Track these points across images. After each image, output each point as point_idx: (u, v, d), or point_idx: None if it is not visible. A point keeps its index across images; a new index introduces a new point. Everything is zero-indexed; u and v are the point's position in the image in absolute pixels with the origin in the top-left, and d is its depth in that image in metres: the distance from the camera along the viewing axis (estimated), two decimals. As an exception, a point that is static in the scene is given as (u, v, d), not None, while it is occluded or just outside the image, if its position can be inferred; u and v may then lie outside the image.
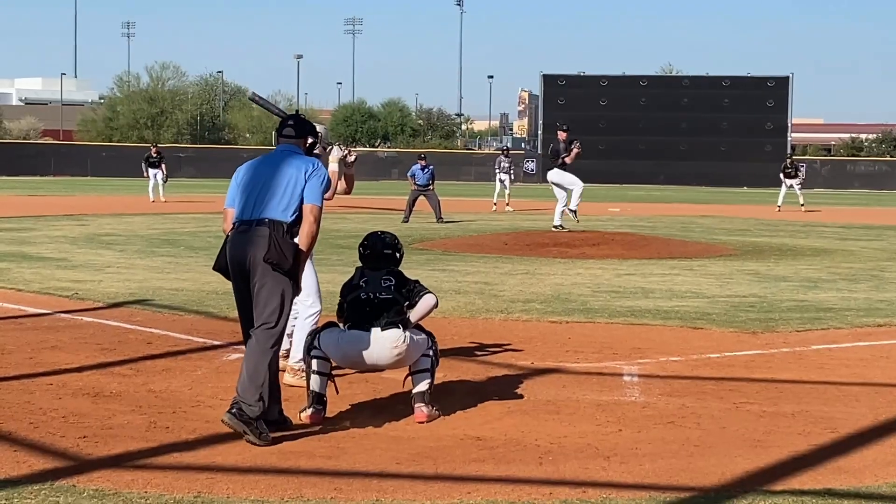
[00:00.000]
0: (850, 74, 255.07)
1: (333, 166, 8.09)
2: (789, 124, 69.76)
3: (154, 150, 38.29)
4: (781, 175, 37.88)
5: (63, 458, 6.14)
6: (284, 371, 7.88)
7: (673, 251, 19.86)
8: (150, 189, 36.76)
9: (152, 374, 8.47)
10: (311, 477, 5.90)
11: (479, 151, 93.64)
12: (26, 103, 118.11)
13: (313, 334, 7.24)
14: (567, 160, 22.44)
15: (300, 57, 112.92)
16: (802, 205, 36.21)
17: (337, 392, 7.28)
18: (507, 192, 35.94)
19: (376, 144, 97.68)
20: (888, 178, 68.48)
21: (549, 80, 71.81)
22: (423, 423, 7.06)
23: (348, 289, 7.29)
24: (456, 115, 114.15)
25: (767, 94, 69.34)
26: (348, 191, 8.37)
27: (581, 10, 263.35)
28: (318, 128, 8.39)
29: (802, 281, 15.32)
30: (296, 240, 6.69)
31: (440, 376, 7.64)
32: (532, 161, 70.85)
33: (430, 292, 7.28)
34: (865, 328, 11.19)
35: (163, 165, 37.11)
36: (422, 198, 28.47)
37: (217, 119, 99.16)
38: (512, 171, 36.97)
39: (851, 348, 10.11)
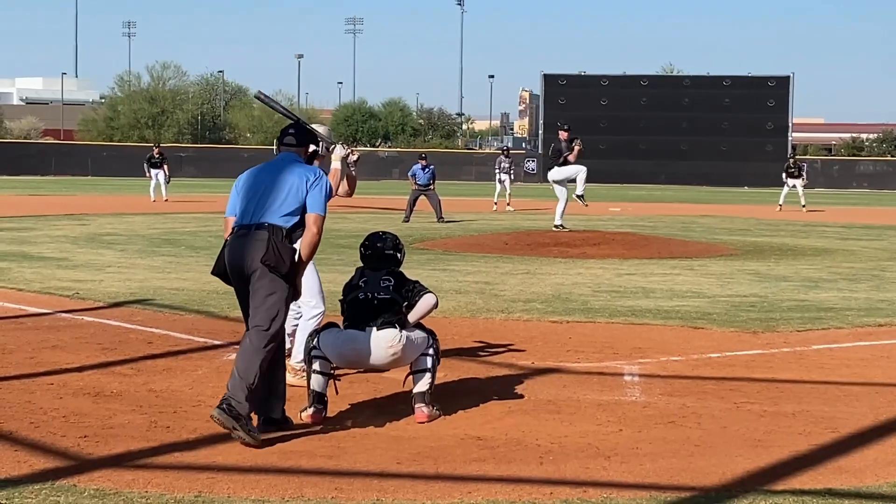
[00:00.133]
0: (850, 74, 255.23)
1: (336, 164, 8.08)
2: (790, 124, 69.76)
3: (156, 150, 38.29)
4: (784, 175, 37.81)
5: (64, 458, 6.14)
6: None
7: (674, 251, 19.86)
8: (152, 189, 36.76)
9: (153, 374, 8.48)
10: (312, 476, 5.90)
11: (480, 151, 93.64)
12: (27, 103, 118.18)
13: (313, 335, 7.25)
14: (570, 158, 22.44)
15: (301, 56, 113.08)
16: (804, 205, 36.17)
17: (337, 392, 7.28)
18: (507, 191, 35.95)
19: (377, 144, 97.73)
20: (889, 178, 68.43)
21: (549, 79, 71.83)
22: (423, 422, 7.06)
23: (348, 289, 7.30)
24: (457, 114, 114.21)
25: (768, 93, 69.36)
26: (350, 193, 8.38)
27: (582, 9, 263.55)
28: (321, 128, 8.40)
29: (803, 281, 15.32)
30: (295, 245, 6.69)
31: (441, 376, 7.64)
32: (533, 161, 70.87)
33: (429, 292, 7.28)
34: (866, 328, 11.19)
35: (165, 166, 37.10)
36: (422, 197, 28.47)
37: (218, 119, 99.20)
38: (512, 171, 36.98)
39: (852, 348, 10.11)
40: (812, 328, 11.08)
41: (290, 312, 8.05)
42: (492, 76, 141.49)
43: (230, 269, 6.70)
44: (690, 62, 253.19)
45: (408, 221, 27.05)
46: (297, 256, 6.68)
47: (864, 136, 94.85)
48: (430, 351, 7.22)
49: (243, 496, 5.53)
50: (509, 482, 5.81)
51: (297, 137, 7.08)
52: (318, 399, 7.05)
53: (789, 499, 5.57)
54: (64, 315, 11.33)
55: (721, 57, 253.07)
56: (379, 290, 7.18)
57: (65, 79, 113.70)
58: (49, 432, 6.65)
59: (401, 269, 7.44)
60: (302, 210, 6.71)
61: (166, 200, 35.32)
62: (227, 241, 6.78)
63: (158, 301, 12.41)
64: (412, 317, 7.19)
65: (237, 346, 8.68)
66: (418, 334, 7.20)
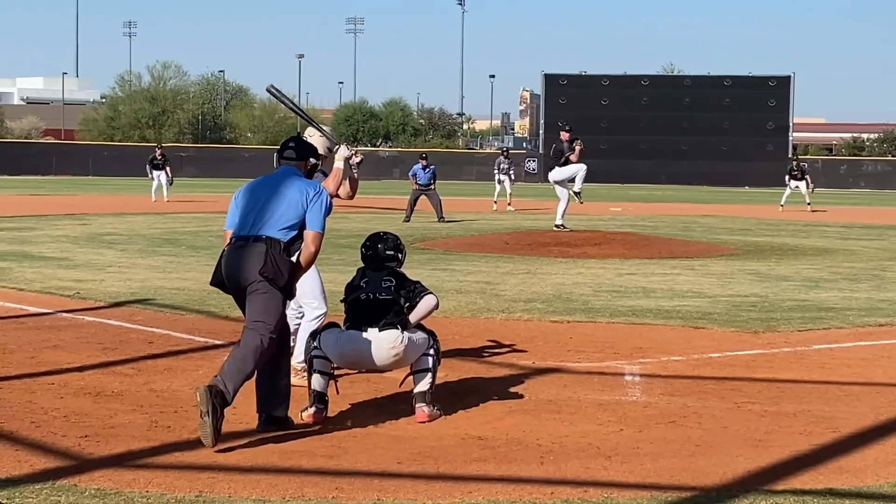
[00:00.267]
0: (851, 74, 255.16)
1: (339, 164, 8.11)
2: (791, 124, 69.78)
3: (158, 152, 38.27)
4: (787, 177, 37.73)
5: (64, 458, 6.15)
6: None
7: (674, 251, 19.86)
8: (153, 190, 36.74)
9: (154, 374, 8.48)
10: (313, 476, 5.90)
11: (481, 151, 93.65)
12: (28, 103, 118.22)
13: (314, 335, 7.26)
14: (572, 158, 22.43)
15: (302, 56, 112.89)
16: (809, 203, 36.12)
17: (338, 392, 7.28)
18: (508, 192, 35.92)
19: (378, 144, 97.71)
20: (890, 178, 68.39)
21: (550, 79, 71.88)
22: (424, 422, 7.06)
23: (350, 289, 7.31)
24: (457, 114, 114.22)
25: (769, 93, 69.38)
26: (351, 195, 8.40)
27: (582, 9, 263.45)
28: (325, 129, 8.42)
29: (804, 280, 15.32)
30: (293, 259, 6.67)
31: (441, 376, 7.64)
32: (533, 161, 70.87)
33: (430, 293, 7.29)
34: (867, 328, 11.20)
35: (167, 168, 37.07)
36: (423, 197, 28.48)
37: (219, 118, 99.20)
38: (512, 172, 36.96)
39: (853, 348, 10.11)
40: (813, 328, 11.08)
41: (291, 313, 8.08)
42: (492, 76, 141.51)
43: (227, 280, 6.68)
44: (691, 62, 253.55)
45: (408, 221, 27.06)
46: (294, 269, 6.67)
47: (864, 135, 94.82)
48: (431, 351, 7.23)
49: (244, 496, 5.53)
50: (510, 482, 5.81)
51: (298, 151, 7.03)
52: (319, 399, 7.05)
53: (790, 498, 5.57)
54: (65, 315, 11.33)
55: (722, 57, 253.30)
56: (380, 291, 7.18)
57: (66, 78, 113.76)
58: (50, 432, 6.66)
59: (402, 270, 7.44)
60: (301, 225, 6.67)
61: (167, 201, 35.31)
62: (224, 251, 6.75)
63: (159, 301, 12.42)
64: (413, 317, 7.20)
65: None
66: (419, 335, 7.21)
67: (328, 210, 6.81)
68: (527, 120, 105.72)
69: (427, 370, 7.20)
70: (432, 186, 28.92)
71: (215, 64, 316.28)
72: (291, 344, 7.90)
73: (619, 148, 66.79)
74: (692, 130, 68.59)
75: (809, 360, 9.49)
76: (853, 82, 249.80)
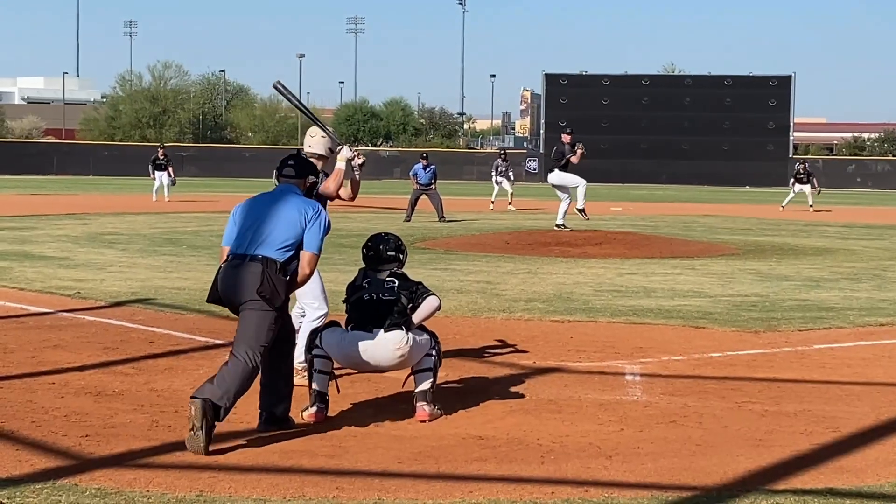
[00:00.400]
0: (852, 74, 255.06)
1: (341, 164, 8.13)
2: (791, 123, 69.75)
3: (161, 152, 38.22)
4: (792, 180, 37.62)
5: (65, 457, 6.15)
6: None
7: (675, 250, 19.86)
8: (155, 189, 36.72)
9: (154, 373, 8.48)
10: (313, 476, 5.90)
11: (481, 151, 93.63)
12: (29, 102, 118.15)
13: (315, 333, 7.26)
14: (573, 160, 22.43)
15: (302, 56, 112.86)
16: (811, 205, 36.09)
17: (338, 391, 7.29)
18: (509, 192, 35.88)
19: (378, 144, 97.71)
20: (890, 178, 68.35)
21: (551, 79, 71.85)
22: (424, 422, 7.07)
23: (351, 290, 7.31)
24: (458, 114, 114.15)
25: (770, 93, 69.37)
26: (353, 196, 8.41)
27: (583, 9, 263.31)
28: (328, 129, 8.43)
29: (804, 280, 15.32)
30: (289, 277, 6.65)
31: (442, 375, 7.64)
32: (534, 160, 70.86)
33: (433, 294, 7.29)
34: (867, 327, 11.20)
35: (170, 168, 37.03)
36: (424, 197, 28.48)
37: (219, 118, 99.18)
38: (511, 173, 36.91)
39: (853, 348, 10.11)
40: (813, 328, 11.09)
41: (294, 312, 8.08)
42: (493, 76, 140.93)
43: (223, 297, 6.67)
44: (692, 62, 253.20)
45: (409, 221, 27.06)
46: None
47: (865, 135, 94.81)
48: (433, 352, 7.24)
49: (245, 495, 5.53)
50: (511, 481, 5.81)
51: (297, 169, 6.98)
52: (320, 398, 7.06)
53: (791, 498, 5.57)
54: (65, 314, 11.34)
55: (722, 56, 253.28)
56: (383, 292, 7.19)
57: (66, 78, 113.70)
58: (50, 431, 6.66)
59: (403, 270, 7.44)
60: (298, 245, 6.63)
61: (168, 201, 35.30)
62: (220, 268, 6.72)
63: (160, 300, 12.42)
64: (416, 318, 7.20)
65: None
66: (423, 336, 7.22)
67: (327, 230, 6.77)
68: (527, 120, 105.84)
69: (428, 370, 7.20)
70: (433, 186, 28.91)
71: (216, 63, 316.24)
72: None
73: (620, 148, 66.77)
74: (693, 130, 68.57)
75: (810, 359, 9.49)
76: (854, 82, 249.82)
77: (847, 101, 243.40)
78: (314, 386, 7.07)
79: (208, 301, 6.86)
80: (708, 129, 68.22)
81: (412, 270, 7.99)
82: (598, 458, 6.29)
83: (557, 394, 7.98)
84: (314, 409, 7.03)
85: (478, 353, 9.52)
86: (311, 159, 8.34)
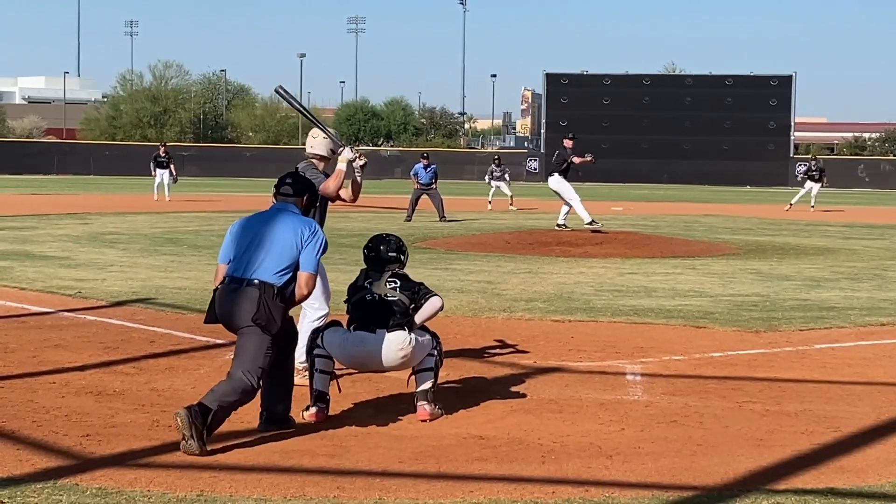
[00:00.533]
0: (853, 73, 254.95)
1: (342, 166, 8.13)
2: (792, 123, 69.77)
3: (162, 150, 38.23)
4: (805, 176, 37.60)
5: (66, 457, 6.15)
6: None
7: (676, 250, 19.86)
8: (156, 187, 36.72)
9: (155, 373, 8.48)
10: (314, 475, 5.90)
11: (482, 150, 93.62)
12: (30, 102, 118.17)
13: (316, 333, 7.26)
14: (576, 160, 22.40)
15: (303, 56, 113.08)
16: (813, 206, 36.07)
17: (339, 391, 7.29)
18: (509, 193, 35.80)
19: (379, 143, 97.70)
20: (891, 178, 68.30)
21: (552, 78, 71.85)
22: (425, 421, 7.07)
23: (353, 290, 7.31)
24: (459, 113, 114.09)
25: (770, 92, 69.39)
26: (354, 199, 8.41)
27: (584, 9, 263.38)
28: (330, 130, 8.44)
29: (805, 280, 15.32)
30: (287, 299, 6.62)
31: (443, 375, 7.64)
32: (535, 160, 70.86)
33: (435, 294, 7.30)
34: (868, 327, 11.20)
35: (172, 166, 37.04)
36: (425, 196, 28.48)
37: (220, 118, 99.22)
38: (507, 176, 36.84)
39: (854, 347, 10.11)
40: (814, 327, 11.09)
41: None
42: (494, 75, 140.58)
43: (221, 320, 6.69)
44: (692, 61, 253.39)
45: (410, 220, 27.07)
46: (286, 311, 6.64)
47: (866, 135, 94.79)
48: (434, 351, 7.24)
49: (245, 495, 5.54)
50: (511, 481, 5.81)
51: (294, 187, 6.94)
52: (321, 398, 7.06)
53: (791, 498, 5.57)
54: (66, 314, 11.34)
55: (723, 56, 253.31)
56: (385, 292, 7.19)
57: (67, 78, 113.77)
58: (51, 431, 6.66)
59: (405, 271, 7.44)
60: (295, 267, 6.61)
61: (169, 200, 35.31)
62: (217, 290, 6.71)
63: (161, 300, 12.43)
64: (418, 318, 7.21)
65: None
66: (425, 336, 7.23)
67: (323, 250, 6.76)
68: (528, 119, 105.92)
69: (430, 370, 7.21)
70: (434, 186, 28.92)
71: (217, 63, 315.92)
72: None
73: (621, 147, 66.74)
74: (694, 130, 68.58)
75: (811, 359, 9.49)
76: (855, 81, 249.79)
77: (848, 101, 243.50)
78: (315, 385, 7.07)
79: (206, 322, 6.87)
80: (709, 129, 68.23)
81: (413, 270, 7.99)
82: (599, 458, 6.29)
83: (558, 393, 7.98)
84: (315, 408, 7.03)
85: (478, 353, 9.52)
86: (313, 160, 8.36)
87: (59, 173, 65.32)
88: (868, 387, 8.37)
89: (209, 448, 6.21)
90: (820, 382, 8.53)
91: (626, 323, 11.29)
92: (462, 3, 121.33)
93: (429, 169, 29.08)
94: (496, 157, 42.85)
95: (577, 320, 11.41)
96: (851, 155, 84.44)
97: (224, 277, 6.67)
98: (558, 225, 22.82)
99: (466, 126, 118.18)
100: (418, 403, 7.16)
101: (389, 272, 7.32)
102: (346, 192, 8.36)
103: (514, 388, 8.09)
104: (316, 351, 7.12)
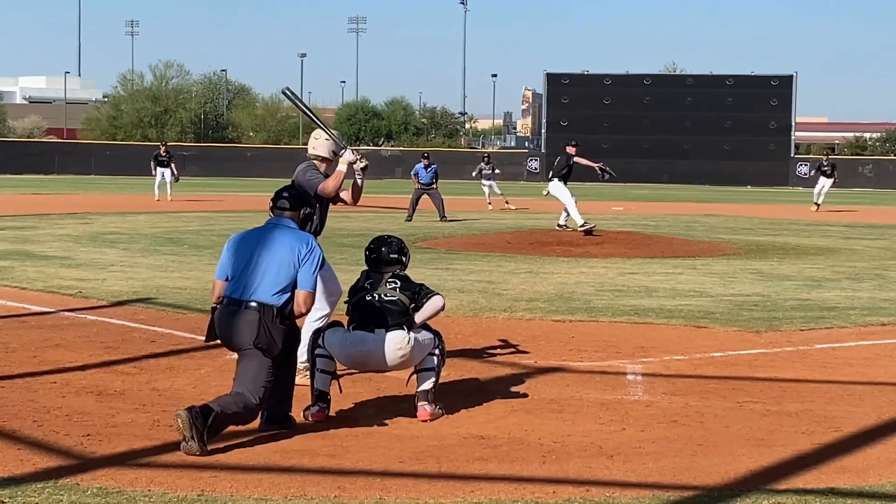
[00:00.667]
0: (854, 73, 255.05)
1: (342, 168, 8.13)
2: (793, 123, 69.70)
3: (163, 149, 38.23)
4: (819, 173, 37.68)
5: (67, 457, 6.15)
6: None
7: (676, 250, 19.86)
8: (156, 186, 36.70)
9: (156, 373, 8.49)
10: (315, 475, 5.90)
11: (483, 150, 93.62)
12: (30, 102, 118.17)
13: (317, 333, 7.26)
14: (577, 160, 22.38)
15: (304, 55, 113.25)
16: (818, 204, 36.05)
17: (340, 391, 7.29)
18: (498, 193, 35.75)
19: (380, 143, 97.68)
20: (892, 178, 68.25)
21: (552, 78, 71.80)
22: (426, 421, 7.07)
23: (354, 291, 7.32)
24: (459, 113, 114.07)
25: (771, 92, 69.33)
26: (355, 201, 8.42)
27: (585, 8, 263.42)
28: (333, 132, 8.44)
29: (806, 280, 15.32)
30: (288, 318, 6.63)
31: (443, 375, 7.63)
32: (535, 160, 70.84)
33: (437, 294, 7.30)
34: (869, 327, 11.20)
35: (172, 165, 37.03)
36: (425, 196, 28.47)
37: (221, 117, 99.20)
38: (495, 174, 36.83)
39: (855, 347, 10.11)
40: (815, 327, 11.09)
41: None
42: (495, 75, 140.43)
43: (221, 340, 6.71)
44: (693, 61, 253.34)
45: (410, 220, 27.07)
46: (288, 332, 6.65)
47: (867, 135, 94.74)
48: (437, 351, 7.24)
49: (246, 495, 5.54)
50: (512, 481, 5.81)
51: (291, 201, 6.94)
52: (321, 398, 7.07)
53: (792, 498, 5.57)
54: (67, 314, 11.34)
55: (724, 56, 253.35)
56: (386, 293, 7.19)
57: (68, 78, 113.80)
58: (52, 431, 6.66)
59: (405, 272, 7.44)
60: (294, 285, 6.62)
61: (170, 200, 35.30)
62: (216, 309, 6.71)
63: (161, 300, 12.43)
64: (419, 318, 7.21)
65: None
66: (426, 335, 7.22)
67: (321, 266, 6.77)
68: (529, 119, 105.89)
69: (431, 369, 7.21)
70: (434, 185, 28.91)
71: (217, 63, 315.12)
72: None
73: (622, 147, 66.57)
74: (694, 130, 68.53)
75: (812, 359, 9.49)
76: (855, 81, 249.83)
77: (848, 101, 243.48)
78: (316, 385, 7.08)
79: (207, 341, 6.89)
80: (709, 129, 68.17)
81: (414, 270, 7.99)
82: (600, 458, 6.29)
83: (559, 393, 7.98)
84: (315, 408, 7.03)
85: (479, 353, 9.52)
86: (315, 161, 8.36)
87: (60, 173, 65.29)
88: (869, 387, 8.37)
89: (209, 448, 6.21)
90: (821, 382, 8.53)
91: (626, 323, 11.29)
92: (463, 3, 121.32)
93: (429, 169, 29.08)
94: (485, 155, 42.85)
95: (577, 320, 11.41)
96: (852, 155, 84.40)
97: (223, 297, 6.67)
98: (559, 225, 22.83)
99: (467, 126, 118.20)
100: (419, 403, 7.16)
101: (390, 273, 7.32)
102: (346, 195, 8.37)
103: (514, 388, 8.09)
104: (317, 351, 7.13)
